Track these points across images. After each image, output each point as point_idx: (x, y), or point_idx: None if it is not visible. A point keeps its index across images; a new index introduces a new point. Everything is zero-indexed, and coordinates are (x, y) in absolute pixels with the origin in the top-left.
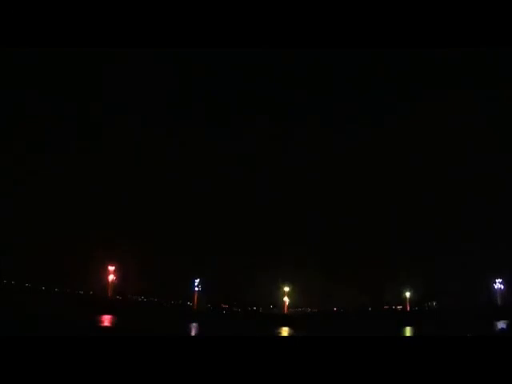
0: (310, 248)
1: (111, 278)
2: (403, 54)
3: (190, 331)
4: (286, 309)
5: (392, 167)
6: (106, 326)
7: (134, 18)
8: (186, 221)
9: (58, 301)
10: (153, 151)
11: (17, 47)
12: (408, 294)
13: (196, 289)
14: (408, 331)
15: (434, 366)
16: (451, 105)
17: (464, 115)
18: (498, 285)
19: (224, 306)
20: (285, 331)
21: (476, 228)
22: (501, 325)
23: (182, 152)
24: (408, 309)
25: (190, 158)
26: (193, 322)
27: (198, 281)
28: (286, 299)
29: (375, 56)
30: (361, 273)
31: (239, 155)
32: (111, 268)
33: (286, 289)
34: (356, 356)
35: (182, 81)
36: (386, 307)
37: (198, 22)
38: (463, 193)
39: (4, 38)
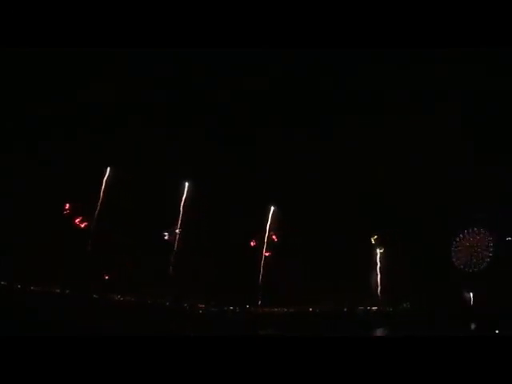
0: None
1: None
2: (403, 54)
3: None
4: (261, 308)
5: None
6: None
7: (134, 18)
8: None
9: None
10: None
11: (17, 47)
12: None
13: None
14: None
15: (431, 366)
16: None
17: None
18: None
19: (200, 306)
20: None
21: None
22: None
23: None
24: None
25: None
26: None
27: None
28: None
29: (374, 56)
30: (336, 273)
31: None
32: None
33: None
34: (354, 356)
35: (181, 81)
36: (360, 308)
37: (198, 22)
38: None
39: (4, 38)
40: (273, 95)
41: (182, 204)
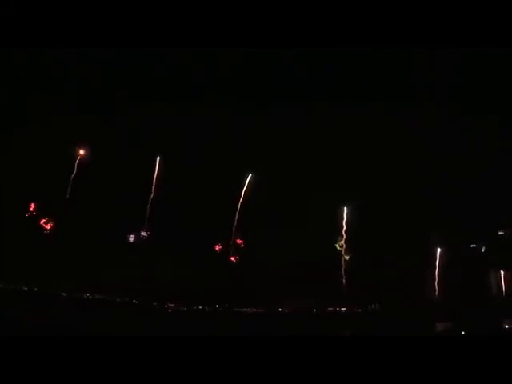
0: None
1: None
2: (403, 54)
3: None
4: (231, 308)
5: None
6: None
7: (133, 18)
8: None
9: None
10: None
11: (17, 47)
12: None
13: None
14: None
15: (398, 365)
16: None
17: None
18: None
19: (170, 305)
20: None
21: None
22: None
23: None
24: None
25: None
26: None
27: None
28: None
29: (375, 56)
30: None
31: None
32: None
33: None
34: (323, 355)
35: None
36: (330, 309)
37: (198, 22)
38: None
39: (4, 38)
40: (273, 95)
41: (148, 206)
